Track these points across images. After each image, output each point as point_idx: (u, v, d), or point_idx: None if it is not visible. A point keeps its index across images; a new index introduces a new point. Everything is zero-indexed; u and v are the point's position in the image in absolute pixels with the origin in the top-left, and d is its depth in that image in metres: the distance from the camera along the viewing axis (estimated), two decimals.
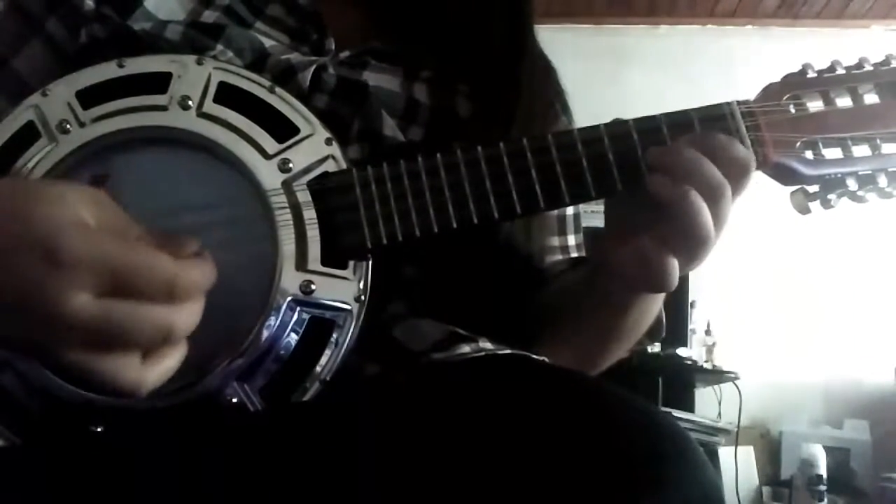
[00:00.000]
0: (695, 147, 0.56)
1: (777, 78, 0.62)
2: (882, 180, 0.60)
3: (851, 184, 0.60)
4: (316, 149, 0.56)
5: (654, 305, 0.68)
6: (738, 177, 0.56)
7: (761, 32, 3.61)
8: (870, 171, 0.60)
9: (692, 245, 0.55)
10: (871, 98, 0.61)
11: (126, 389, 0.44)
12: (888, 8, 3.47)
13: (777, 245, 3.29)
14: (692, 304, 2.95)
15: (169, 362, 0.45)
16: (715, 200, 0.55)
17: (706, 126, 0.58)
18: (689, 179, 0.55)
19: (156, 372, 0.45)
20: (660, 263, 0.56)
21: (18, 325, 0.42)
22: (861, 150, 0.60)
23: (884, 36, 3.52)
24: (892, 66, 0.62)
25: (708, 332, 3.12)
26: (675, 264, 0.56)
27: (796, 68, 0.62)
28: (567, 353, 0.69)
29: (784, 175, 0.61)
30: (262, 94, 0.57)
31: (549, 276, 0.75)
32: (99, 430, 0.51)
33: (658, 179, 0.56)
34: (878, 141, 0.60)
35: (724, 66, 3.39)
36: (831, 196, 0.61)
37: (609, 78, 3.40)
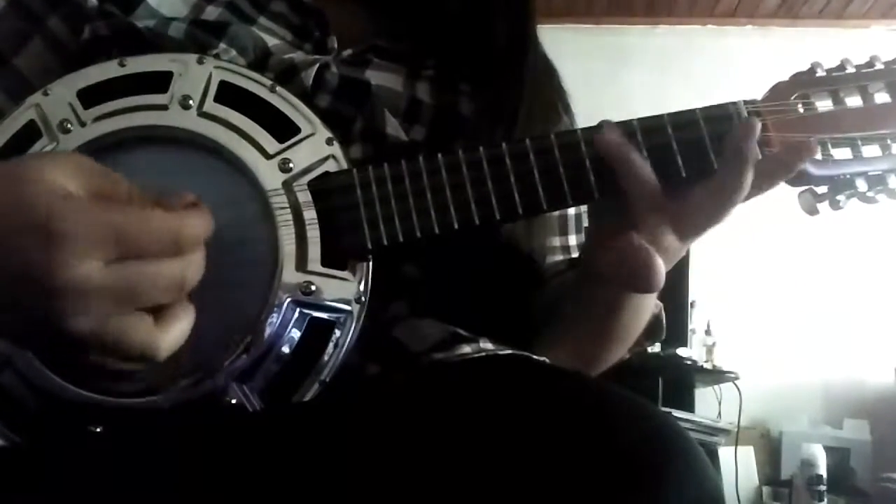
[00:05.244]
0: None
1: (783, 77, 0.61)
2: (892, 181, 0.59)
3: (861, 184, 0.60)
4: (317, 149, 0.56)
5: (648, 305, 0.68)
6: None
7: (761, 32, 3.61)
8: (880, 172, 0.59)
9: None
10: (881, 97, 0.60)
11: (140, 352, 0.43)
12: (888, 8, 3.48)
13: (777, 245, 3.29)
14: (692, 304, 2.95)
15: (181, 325, 0.45)
16: None
17: (711, 126, 0.58)
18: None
19: (169, 334, 0.45)
20: (646, 263, 0.56)
21: (26, 312, 0.42)
22: (871, 151, 0.59)
23: (884, 36, 3.52)
24: None
25: (708, 332, 3.12)
26: (660, 263, 0.56)
27: (805, 67, 0.61)
28: (566, 353, 0.68)
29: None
30: (263, 93, 0.57)
31: (550, 276, 0.74)
32: (98, 429, 0.51)
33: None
34: (889, 141, 0.59)
35: (724, 66, 3.40)
36: (840, 197, 0.60)
37: (609, 78, 3.40)
